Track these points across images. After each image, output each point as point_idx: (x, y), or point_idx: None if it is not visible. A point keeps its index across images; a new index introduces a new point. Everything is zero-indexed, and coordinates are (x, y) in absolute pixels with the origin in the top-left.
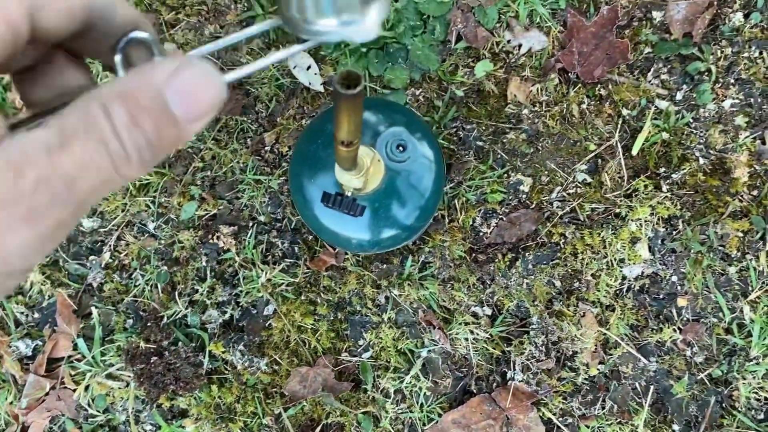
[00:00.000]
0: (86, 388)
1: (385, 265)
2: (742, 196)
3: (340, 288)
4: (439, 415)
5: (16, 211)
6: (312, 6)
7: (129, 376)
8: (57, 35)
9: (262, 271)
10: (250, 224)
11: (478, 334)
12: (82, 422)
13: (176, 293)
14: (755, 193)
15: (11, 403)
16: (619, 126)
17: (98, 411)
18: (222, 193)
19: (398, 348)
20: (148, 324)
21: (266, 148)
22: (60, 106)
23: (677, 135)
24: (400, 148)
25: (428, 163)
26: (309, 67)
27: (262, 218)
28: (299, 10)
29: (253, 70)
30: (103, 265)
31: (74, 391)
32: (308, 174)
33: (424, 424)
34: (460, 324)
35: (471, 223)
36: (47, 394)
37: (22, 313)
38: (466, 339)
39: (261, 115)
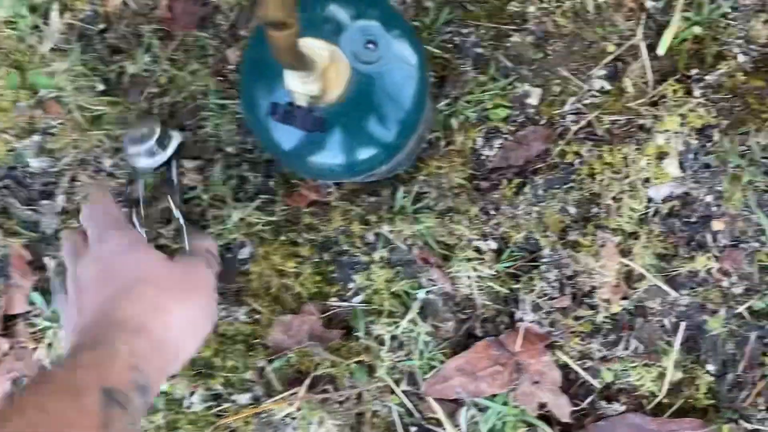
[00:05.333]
0: (49, 345)
1: (373, 198)
2: None
3: (324, 226)
4: (442, 362)
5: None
6: None
7: None
8: None
9: (235, 209)
10: (217, 156)
11: (482, 272)
12: None
13: None
14: None
15: None
16: (642, 21)
17: None
18: (183, 122)
19: (392, 290)
20: None
21: (230, 66)
22: None
23: (712, 29)
24: (371, 46)
25: (406, 66)
26: None
27: (230, 149)
28: None
29: None
30: (58, 210)
31: (35, 349)
32: (260, 85)
33: (425, 373)
34: (462, 261)
35: (471, 145)
36: (6, 354)
37: None
38: (469, 277)
39: (222, 28)
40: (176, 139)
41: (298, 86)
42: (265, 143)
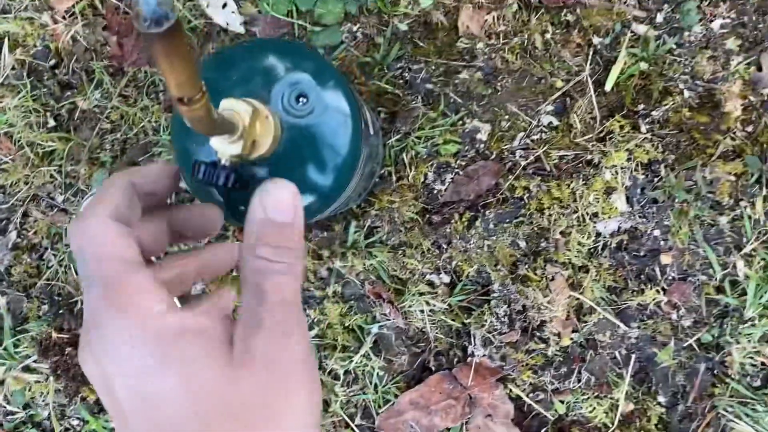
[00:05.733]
0: (1, 383)
1: (325, 233)
2: (734, 133)
3: None
4: (396, 396)
5: None
6: None
7: (47, 368)
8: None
9: (186, 245)
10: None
11: (434, 305)
12: (1, 420)
13: None
14: (750, 129)
15: None
16: (589, 57)
17: (18, 407)
18: (134, 158)
19: (346, 325)
20: (60, 311)
21: None
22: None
23: (658, 65)
24: (302, 100)
25: (339, 116)
26: (225, 5)
27: (182, 185)
28: None
29: None
30: (10, 246)
31: None
32: (190, 140)
33: (379, 406)
34: (414, 295)
35: (423, 180)
36: None
37: None
38: (422, 311)
39: None
40: None
41: (220, 147)
42: (199, 195)
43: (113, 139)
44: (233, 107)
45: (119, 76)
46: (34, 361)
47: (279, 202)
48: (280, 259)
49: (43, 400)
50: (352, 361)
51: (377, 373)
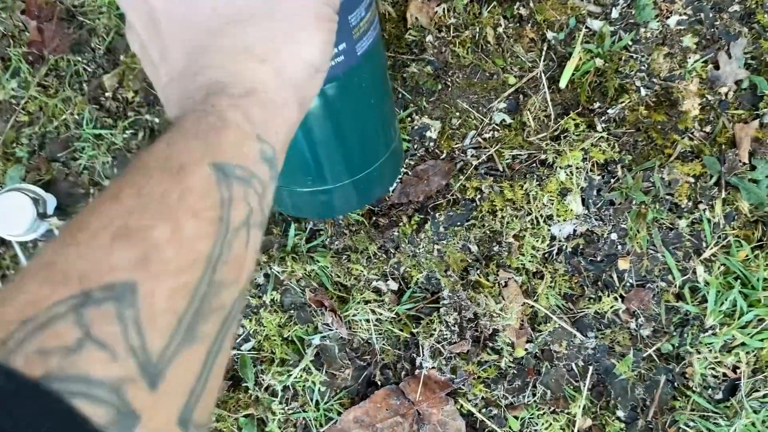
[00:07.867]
0: None
1: (263, 236)
2: (692, 133)
3: None
4: (339, 414)
5: None
6: None
7: None
8: None
9: None
10: (92, 191)
11: (381, 314)
12: None
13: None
14: (708, 129)
15: None
16: (543, 53)
17: None
18: (54, 154)
19: (285, 336)
20: None
21: (107, 94)
22: None
23: (613, 61)
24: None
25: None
26: None
27: (106, 183)
28: None
29: None
30: None
31: None
32: None
33: (320, 425)
34: (359, 303)
35: None
36: None
37: None
38: (368, 320)
39: (98, 53)
40: (52, 202)
41: None
42: None
43: (31, 133)
44: None
45: (39, 65)
46: None
47: None
48: None
49: None
50: (291, 375)
51: (318, 389)
